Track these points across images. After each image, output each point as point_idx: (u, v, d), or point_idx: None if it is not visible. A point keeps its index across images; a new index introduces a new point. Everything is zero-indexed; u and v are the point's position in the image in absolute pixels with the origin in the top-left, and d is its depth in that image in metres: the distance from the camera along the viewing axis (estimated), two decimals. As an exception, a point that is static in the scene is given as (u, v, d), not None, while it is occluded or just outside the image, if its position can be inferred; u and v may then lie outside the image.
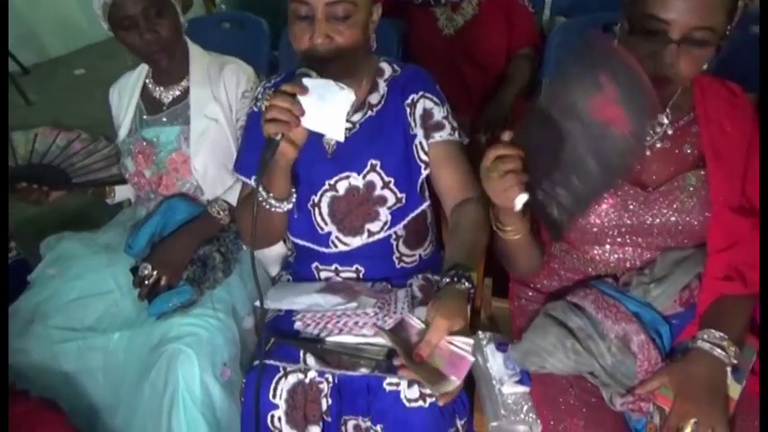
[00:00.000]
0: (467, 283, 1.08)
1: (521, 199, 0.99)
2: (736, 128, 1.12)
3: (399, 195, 1.30)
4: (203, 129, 1.54)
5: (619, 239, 1.17)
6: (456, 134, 1.31)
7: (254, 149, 1.30)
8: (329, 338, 1.23)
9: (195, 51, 1.61)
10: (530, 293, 1.35)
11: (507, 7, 2.29)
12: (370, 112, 1.31)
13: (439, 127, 1.30)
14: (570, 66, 0.95)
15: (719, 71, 1.19)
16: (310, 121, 1.08)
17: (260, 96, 1.38)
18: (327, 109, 1.07)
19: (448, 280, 1.09)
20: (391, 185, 1.29)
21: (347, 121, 1.30)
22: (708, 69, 1.15)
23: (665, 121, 1.15)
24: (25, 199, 1.46)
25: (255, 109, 1.37)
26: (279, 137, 1.05)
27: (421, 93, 1.30)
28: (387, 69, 1.34)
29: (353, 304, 1.25)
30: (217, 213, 1.51)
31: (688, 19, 0.98)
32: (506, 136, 0.99)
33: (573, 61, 0.95)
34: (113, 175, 1.59)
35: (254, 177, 1.26)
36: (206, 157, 1.54)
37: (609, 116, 0.91)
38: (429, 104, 1.30)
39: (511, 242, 1.12)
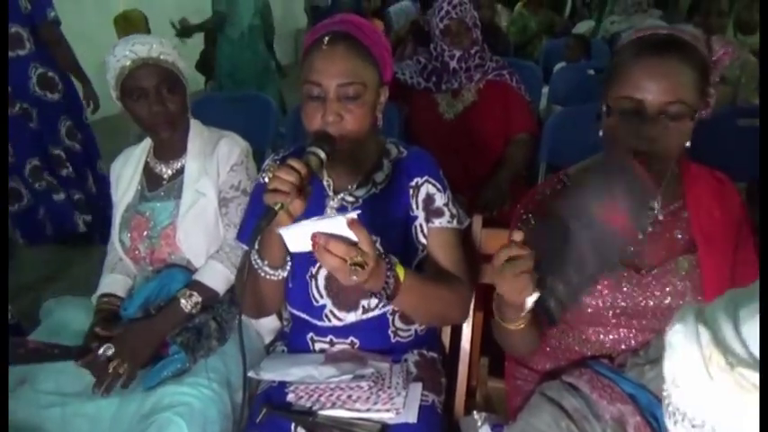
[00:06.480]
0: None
1: (532, 298, 1.00)
2: (725, 215, 1.16)
3: None
4: (191, 202, 1.56)
5: (614, 321, 1.18)
6: (455, 221, 1.35)
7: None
8: (322, 412, 1.21)
9: (195, 126, 1.65)
10: (525, 373, 1.34)
11: (505, 95, 2.41)
12: (374, 190, 1.35)
13: (438, 213, 1.33)
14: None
15: (706, 160, 1.25)
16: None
17: (266, 168, 1.42)
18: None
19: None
20: None
21: (350, 195, 1.34)
22: (695, 158, 1.21)
23: (657, 206, 1.20)
24: None
25: (261, 180, 1.40)
26: (278, 206, 1.06)
27: (425, 177, 1.34)
28: (392, 150, 1.39)
29: (347, 377, 1.24)
30: (184, 306, 1.48)
31: (660, 97, 1.06)
32: (517, 236, 0.98)
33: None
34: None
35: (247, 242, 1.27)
36: (189, 229, 1.55)
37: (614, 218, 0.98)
38: (432, 190, 1.33)
39: (512, 331, 1.13)
